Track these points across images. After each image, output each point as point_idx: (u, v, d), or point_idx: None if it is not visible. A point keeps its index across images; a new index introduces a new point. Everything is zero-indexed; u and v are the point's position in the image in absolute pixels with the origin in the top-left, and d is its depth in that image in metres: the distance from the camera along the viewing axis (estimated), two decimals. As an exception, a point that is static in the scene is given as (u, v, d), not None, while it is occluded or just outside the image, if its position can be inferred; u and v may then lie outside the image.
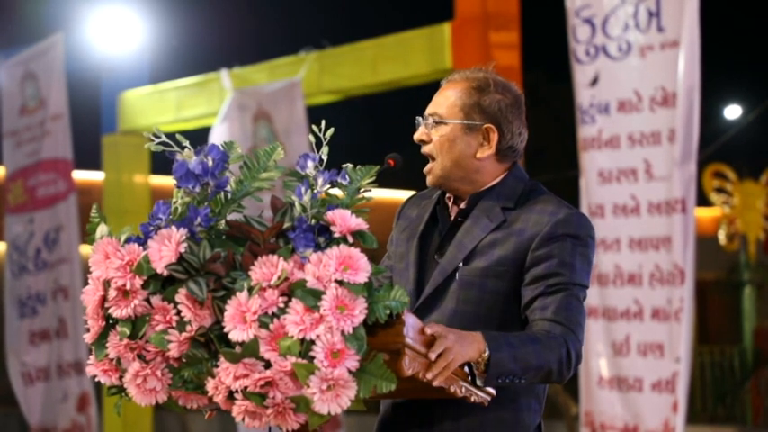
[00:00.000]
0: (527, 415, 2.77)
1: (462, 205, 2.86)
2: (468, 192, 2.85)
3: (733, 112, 19.29)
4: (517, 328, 2.73)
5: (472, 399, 2.50)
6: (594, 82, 6.38)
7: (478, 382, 2.53)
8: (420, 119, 2.89)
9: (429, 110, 2.88)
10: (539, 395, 2.80)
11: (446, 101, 2.86)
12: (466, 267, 2.76)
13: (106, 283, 2.28)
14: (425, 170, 2.87)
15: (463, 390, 2.46)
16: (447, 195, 2.90)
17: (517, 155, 2.89)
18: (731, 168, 13.20)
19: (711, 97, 16.85)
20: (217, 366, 2.22)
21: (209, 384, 2.23)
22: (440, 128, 2.85)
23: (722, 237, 13.24)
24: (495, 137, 2.84)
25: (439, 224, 2.89)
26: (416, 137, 2.88)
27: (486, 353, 2.51)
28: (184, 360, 2.26)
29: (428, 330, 2.39)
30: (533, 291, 2.69)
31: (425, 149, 2.86)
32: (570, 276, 2.72)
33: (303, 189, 2.28)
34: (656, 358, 6.09)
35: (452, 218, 2.86)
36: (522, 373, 2.57)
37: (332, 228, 2.23)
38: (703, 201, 12.82)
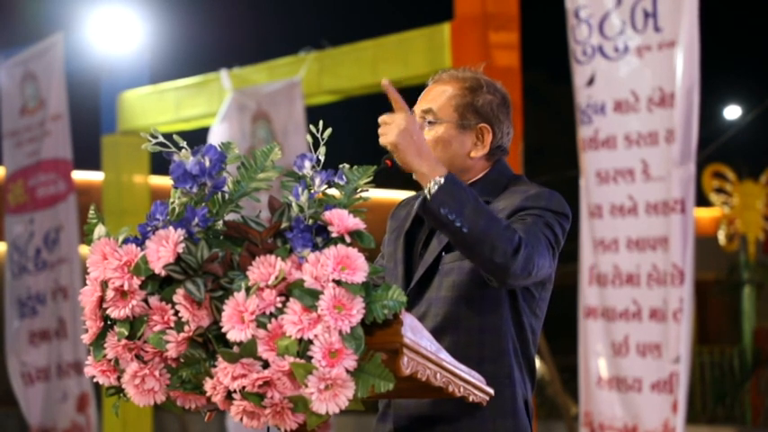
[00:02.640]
0: (520, 389, 2.81)
1: None
2: None
3: (732, 112, 19.30)
4: (502, 301, 2.79)
5: (470, 398, 2.51)
6: (590, 82, 6.38)
7: (426, 191, 2.59)
8: None
9: (420, 108, 2.90)
10: (526, 370, 2.84)
11: (438, 100, 2.89)
12: (447, 255, 2.82)
13: (104, 284, 2.28)
14: None
15: (462, 389, 2.47)
16: None
17: (505, 153, 2.94)
18: (731, 168, 13.19)
19: (711, 97, 16.85)
20: (215, 366, 2.22)
21: (208, 384, 2.23)
22: (434, 127, 2.87)
23: (722, 237, 13.23)
24: (489, 137, 2.89)
25: (425, 220, 2.91)
26: None
27: (442, 179, 2.58)
28: (182, 360, 2.26)
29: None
30: None
31: None
32: (541, 211, 2.76)
33: (300, 189, 2.28)
34: (654, 359, 6.08)
35: None
36: (467, 222, 2.56)
37: (329, 228, 2.23)
38: (703, 201, 12.82)
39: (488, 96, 2.90)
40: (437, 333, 2.74)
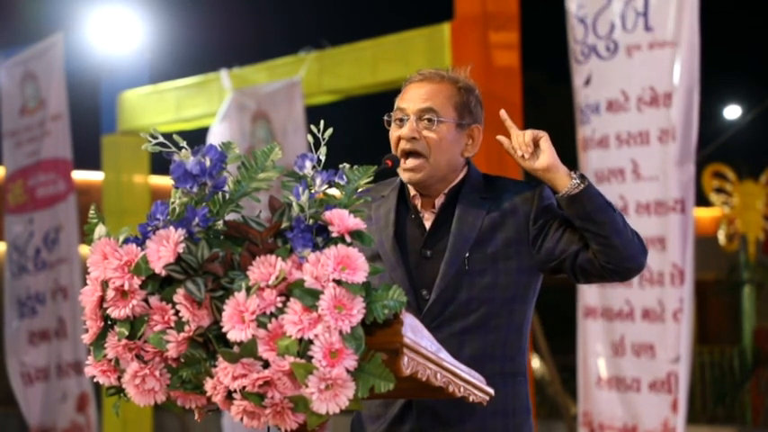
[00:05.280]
0: (528, 389, 2.94)
1: (441, 200, 2.93)
2: (440, 188, 2.93)
3: (732, 112, 19.29)
4: (528, 300, 2.90)
5: (471, 398, 2.51)
6: (587, 82, 6.38)
7: (572, 185, 2.79)
8: (403, 115, 2.90)
9: (418, 106, 2.90)
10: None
11: (437, 99, 2.89)
12: (474, 256, 2.85)
13: (104, 284, 2.28)
14: (410, 166, 2.88)
15: (462, 389, 2.47)
16: (412, 194, 2.93)
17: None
18: (731, 168, 13.18)
19: (711, 97, 16.85)
20: (215, 366, 2.22)
21: (208, 384, 2.23)
22: (438, 127, 2.87)
23: (722, 237, 13.23)
24: (480, 137, 2.93)
25: (413, 221, 2.92)
26: (407, 134, 2.88)
27: (585, 183, 2.79)
28: (183, 360, 2.26)
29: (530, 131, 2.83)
30: (558, 230, 2.87)
31: (416, 147, 2.88)
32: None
33: (301, 189, 2.28)
34: (649, 359, 6.08)
35: (435, 215, 2.93)
36: (615, 211, 2.82)
37: (330, 228, 2.23)
38: (703, 201, 12.81)
39: (475, 98, 2.95)
40: (467, 332, 2.81)
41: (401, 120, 2.90)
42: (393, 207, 2.95)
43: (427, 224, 2.93)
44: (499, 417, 2.82)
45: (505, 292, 2.85)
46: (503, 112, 2.93)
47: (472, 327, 2.83)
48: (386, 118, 2.94)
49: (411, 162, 2.88)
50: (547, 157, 2.83)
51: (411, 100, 2.91)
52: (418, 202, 2.95)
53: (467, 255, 2.84)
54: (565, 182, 2.81)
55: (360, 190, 2.38)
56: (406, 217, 2.94)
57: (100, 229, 2.35)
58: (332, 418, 2.23)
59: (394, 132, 2.91)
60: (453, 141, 2.89)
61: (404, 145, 2.88)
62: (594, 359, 6.34)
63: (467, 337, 2.82)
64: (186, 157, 2.32)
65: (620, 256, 2.80)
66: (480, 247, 2.85)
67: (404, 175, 2.89)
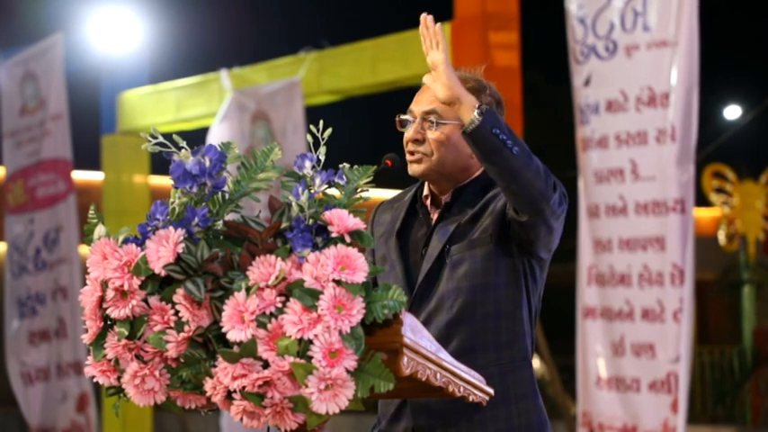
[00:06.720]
0: (533, 369, 2.91)
1: (447, 199, 2.93)
2: (448, 188, 2.93)
3: (732, 112, 19.27)
4: (515, 284, 2.85)
5: (470, 398, 2.51)
6: (587, 82, 6.38)
7: (470, 121, 2.63)
8: (410, 117, 2.92)
9: (422, 109, 2.90)
10: (533, 351, 2.95)
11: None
12: (454, 248, 2.86)
13: (104, 284, 2.28)
14: (415, 158, 2.89)
15: (461, 389, 2.47)
16: (425, 194, 2.93)
17: None
18: (731, 168, 13.19)
19: (711, 97, 16.85)
20: (215, 366, 2.22)
21: (208, 384, 2.23)
22: (440, 128, 2.87)
23: (722, 237, 13.23)
24: None
25: (421, 220, 2.94)
26: (410, 136, 2.89)
27: (485, 106, 2.64)
28: (182, 360, 2.26)
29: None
30: None
31: (419, 148, 2.89)
32: None
33: (300, 189, 2.28)
34: (648, 359, 6.08)
35: (439, 212, 2.92)
36: (516, 144, 2.62)
37: (329, 228, 2.23)
38: (703, 201, 12.82)
39: (488, 98, 2.91)
40: (453, 325, 2.81)
41: (410, 121, 2.93)
42: (405, 207, 2.97)
43: None
44: (500, 406, 2.80)
45: (486, 277, 2.83)
46: (423, 16, 2.82)
47: (458, 318, 2.82)
48: (397, 119, 2.95)
49: (414, 155, 2.89)
50: (440, 88, 2.68)
51: (419, 102, 2.94)
52: (428, 202, 2.95)
53: (446, 248, 2.85)
54: (468, 117, 2.66)
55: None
56: (416, 217, 2.96)
57: (100, 230, 2.35)
58: (332, 418, 2.23)
59: (405, 134, 2.94)
60: (458, 142, 2.88)
61: (409, 147, 2.91)
62: (594, 359, 6.34)
63: (455, 329, 2.81)
64: (186, 158, 2.32)
65: (517, 201, 2.68)
66: (461, 239, 2.85)
67: (409, 168, 2.92)
